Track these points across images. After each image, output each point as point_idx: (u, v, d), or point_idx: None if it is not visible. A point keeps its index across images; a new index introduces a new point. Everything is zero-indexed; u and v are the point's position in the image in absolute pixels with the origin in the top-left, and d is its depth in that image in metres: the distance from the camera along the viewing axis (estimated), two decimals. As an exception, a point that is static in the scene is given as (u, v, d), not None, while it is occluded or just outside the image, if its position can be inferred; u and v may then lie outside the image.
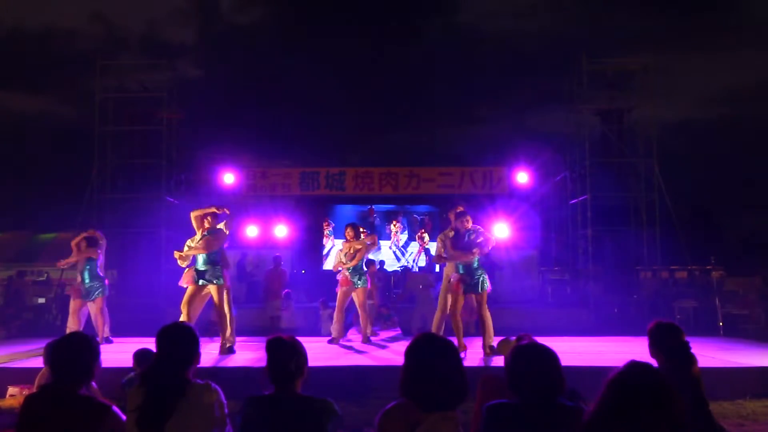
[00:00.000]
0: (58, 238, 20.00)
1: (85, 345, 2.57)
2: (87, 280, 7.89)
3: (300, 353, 2.50)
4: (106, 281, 8.09)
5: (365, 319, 8.04)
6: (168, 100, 13.19)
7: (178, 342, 2.48)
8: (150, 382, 2.37)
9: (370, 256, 9.41)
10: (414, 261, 15.39)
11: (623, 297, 12.40)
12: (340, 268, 8.04)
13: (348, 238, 8.11)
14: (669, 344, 3.20)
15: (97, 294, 7.91)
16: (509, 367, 2.31)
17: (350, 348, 7.67)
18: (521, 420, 2.14)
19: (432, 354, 2.07)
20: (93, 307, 7.98)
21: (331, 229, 15.45)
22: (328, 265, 11.32)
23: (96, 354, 2.57)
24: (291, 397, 2.42)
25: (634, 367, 1.65)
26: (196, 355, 2.50)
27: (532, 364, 2.24)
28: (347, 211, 15.76)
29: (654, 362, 3.46)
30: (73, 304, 7.95)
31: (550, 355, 2.26)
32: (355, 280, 7.91)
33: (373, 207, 15.60)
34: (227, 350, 7.03)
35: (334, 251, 11.40)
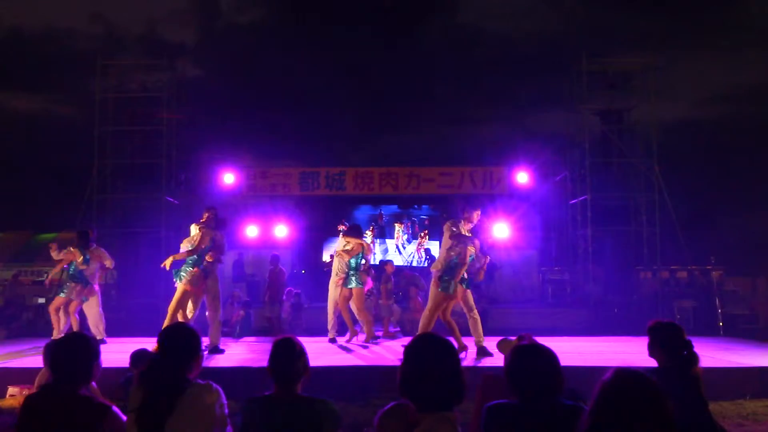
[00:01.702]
0: (58, 238, 19.98)
1: (86, 345, 2.57)
2: (64, 277, 7.94)
3: (304, 354, 2.52)
4: (78, 286, 7.81)
5: (332, 317, 8.12)
6: (168, 100, 13.19)
7: (179, 342, 2.48)
8: (149, 382, 2.36)
9: (385, 256, 9.46)
10: (417, 259, 15.41)
11: (623, 297, 12.41)
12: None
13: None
14: (670, 343, 3.19)
15: (60, 292, 7.87)
16: (509, 366, 2.31)
17: (350, 348, 7.68)
18: (521, 420, 2.14)
19: (430, 354, 2.07)
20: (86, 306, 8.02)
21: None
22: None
23: (96, 354, 2.57)
24: (291, 398, 2.42)
25: (620, 375, 1.64)
26: (197, 355, 2.49)
27: (532, 363, 2.24)
28: (359, 212, 15.85)
29: (653, 362, 3.47)
30: (58, 303, 7.98)
31: (550, 355, 2.27)
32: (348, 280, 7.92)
33: (382, 212, 15.75)
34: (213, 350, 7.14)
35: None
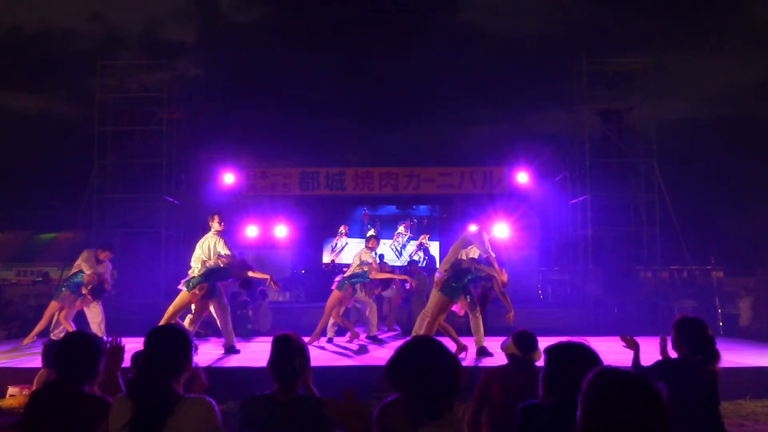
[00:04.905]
0: (58, 238, 20.00)
1: (90, 343, 2.58)
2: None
3: (303, 350, 2.51)
4: (72, 296, 7.94)
5: (325, 320, 8.28)
6: (168, 100, 13.16)
7: (170, 347, 2.26)
8: (137, 394, 2.15)
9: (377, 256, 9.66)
10: (418, 259, 15.40)
11: (623, 297, 12.40)
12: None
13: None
14: (695, 338, 3.24)
15: (55, 297, 8.11)
16: (548, 366, 2.26)
17: (350, 348, 7.68)
18: (559, 422, 2.05)
19: (420, 354, 2.06)
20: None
21: (346, 230, 15.53)
22: (347, 259, 11.52)
23: (101, 352, 2.58)
24: (290, 397, 2.41)
25: (603, 375, 1.59)
26: (188, 360, 2.28)
27: (575, 364, 2.15)
28: (358, 212, 15.85)
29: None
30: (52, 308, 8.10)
31: (593, 356, 2.23)
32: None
33: (367, 212, 15.77)
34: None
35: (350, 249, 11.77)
